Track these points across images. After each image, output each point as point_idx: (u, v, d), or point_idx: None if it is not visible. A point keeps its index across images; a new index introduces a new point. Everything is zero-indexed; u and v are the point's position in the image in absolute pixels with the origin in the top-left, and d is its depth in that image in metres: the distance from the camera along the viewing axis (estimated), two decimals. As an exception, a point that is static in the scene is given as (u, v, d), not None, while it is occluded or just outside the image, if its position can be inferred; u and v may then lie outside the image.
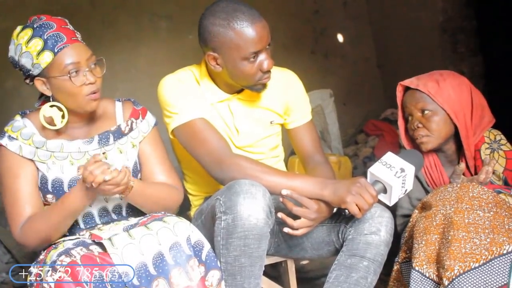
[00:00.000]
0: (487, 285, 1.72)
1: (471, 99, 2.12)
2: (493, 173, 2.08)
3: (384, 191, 1.85)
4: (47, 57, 1.78)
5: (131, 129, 1.98)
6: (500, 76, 4.38)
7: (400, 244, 2.05)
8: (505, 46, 4.28)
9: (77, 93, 1.81)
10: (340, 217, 2.01)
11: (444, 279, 1.74)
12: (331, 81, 5.24)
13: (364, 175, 5.33)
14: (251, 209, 1.78)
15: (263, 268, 1.91)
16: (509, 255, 1.73)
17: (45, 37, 1.78)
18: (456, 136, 2.13)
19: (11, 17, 4.22)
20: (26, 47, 1.79)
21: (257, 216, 1.78)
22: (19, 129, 1.86)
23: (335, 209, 1.97)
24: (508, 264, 1.72)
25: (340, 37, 5.49)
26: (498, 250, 1.73)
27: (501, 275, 1.72)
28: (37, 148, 1.85)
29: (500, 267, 1.73)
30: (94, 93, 1.84)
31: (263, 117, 2.15)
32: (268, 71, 1.98)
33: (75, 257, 1.63)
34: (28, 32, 1.80)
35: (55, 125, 1.85)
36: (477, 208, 1.84)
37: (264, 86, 2.02)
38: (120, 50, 4.55)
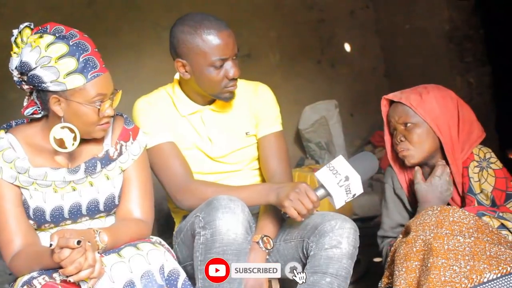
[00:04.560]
0: (467, 314, 1.65)
1: (458, 113, 2.04)
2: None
3: (330, 195, 1.87)
4: (77, 81, 1.69)
5: (120, 154, 1.86)
6: (508, 86, 4.28)
7: (384, 268, 1.98)
8: (513, 56, 4.19)
9: (94, 122, 1.75)
10: (305, 231, 1.98)
11: (424, 307, 1.68)
12: (338, 91, 5.18)
13: (372, 187, 5.23)
14: (230, 223, 1.79)
15: (242, 286, 1.87)
16: (490, 283, 1.66)
17: (80, 60, 1.69)
18: (443, 151, 2.06)
19: (13, 30, 4.24)
20: (56, 63, 1.67)
21: (235, 231, 1.79)
22: (2, 150, 1.75)
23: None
24: (490, 292, 1.66)
25: (347, 47, 5.42)
26: (478, 278, 1.67)
27: (482, 304, 1.65)
28: (19, 173, 1.74)
29: (482, 295, 1.66)
30: (107, 123, 1.80)
31: (237, 127, 2.14)
32: (234, 79, 2.01)
33: (36, 287, 1.57)
34: (63, 47, 1.68)
35: (66, 148, 1.75)
36: (458, 234, 1.76)
37: (231, 94, 2.05)
38: (123, 60, 4.53)
